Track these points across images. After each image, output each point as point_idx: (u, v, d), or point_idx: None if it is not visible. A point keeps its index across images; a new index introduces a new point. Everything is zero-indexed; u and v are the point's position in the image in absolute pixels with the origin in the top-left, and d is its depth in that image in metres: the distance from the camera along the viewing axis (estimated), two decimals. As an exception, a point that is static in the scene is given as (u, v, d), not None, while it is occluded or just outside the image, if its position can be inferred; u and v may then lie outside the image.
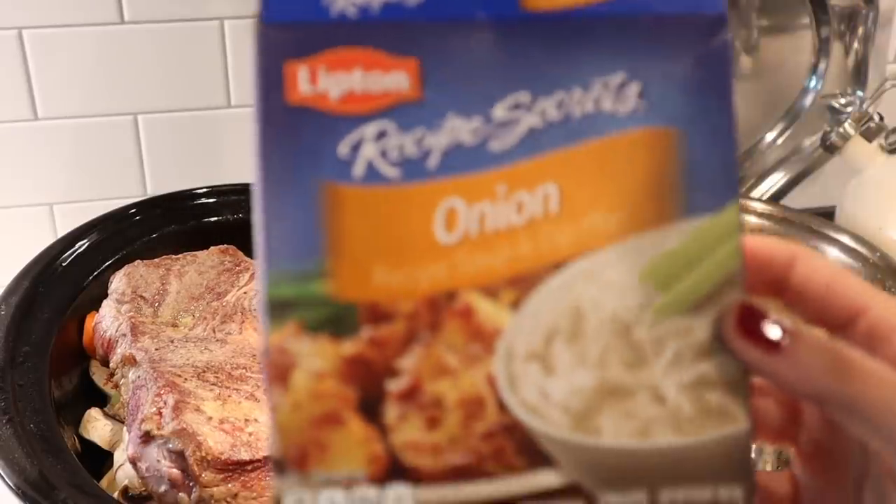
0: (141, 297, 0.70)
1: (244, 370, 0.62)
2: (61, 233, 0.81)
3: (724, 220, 0.28)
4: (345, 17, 0.26)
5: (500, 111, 0.27)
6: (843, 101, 0.96)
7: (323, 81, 0.26)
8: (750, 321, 0.27)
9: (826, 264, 0.29)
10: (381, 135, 0.27)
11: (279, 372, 0.26)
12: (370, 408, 0.27)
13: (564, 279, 0.27)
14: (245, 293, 0.71)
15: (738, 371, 0.27)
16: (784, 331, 0.27)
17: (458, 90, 0.27)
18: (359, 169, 0.26)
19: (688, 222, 0.28)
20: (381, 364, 0.27)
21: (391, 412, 0.27)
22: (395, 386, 0.27)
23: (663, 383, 0.27)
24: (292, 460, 0.27)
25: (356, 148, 0.26)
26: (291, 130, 0.26)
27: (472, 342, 0.27)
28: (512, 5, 0.27)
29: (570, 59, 0.27)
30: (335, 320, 0.27)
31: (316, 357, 0.27)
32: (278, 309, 0.26)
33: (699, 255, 0.28)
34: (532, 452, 0.27)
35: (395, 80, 0.26)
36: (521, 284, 0.27)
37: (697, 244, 0.28)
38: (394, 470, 0.27)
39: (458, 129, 0.27)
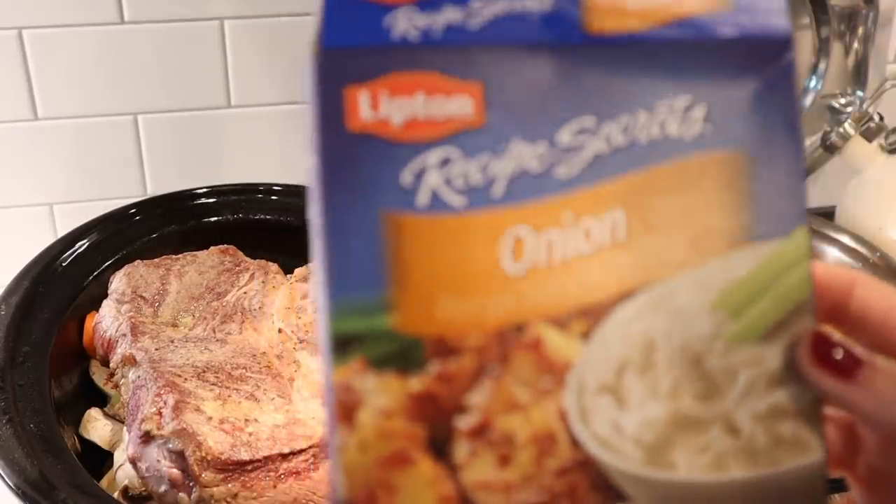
0: (141, 297, 0.70)
1: (244, 370, 0.62)
2: (61, 233, 0.81)
3: (792, 246, 0.27)
4: (406, 41, 0.25)
5: (565, 136, 0.26)
6: (843, 101, 0.96)
7: (385, 107, 0.25)
8: (824, 349, 0.26)
9: (887, 291, 0.29)
10: (445, 162, 0.26)
11: (345, 410, 0.26)
12: (439, 446, 0.26)
13: (634, 308, 0.27)
14: (245, 293, 0.71)
15: (812, 400, 0.27)
16: (858, 359, 0.26)
17: (522, 115, 0.26)
18: (423, 197, 0.26)
19: (756, 248, 0.27)
20: (449, 400, 0.26)
21: (461, 450, 0.26)
22: (464, 423, 0.26)
23: (736, 414, 0.27)
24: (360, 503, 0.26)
25: (419, 176, 0.26)
26: (353, 159, 0.25)
27: (543, 375, 0.26)
28: (576, 28, 0.26)
29: (634, 82, 0.26)
30: (401, 355, 0.26)
31: (382, 394, 0.26)
32: (342, 344, 0.26)
33: (769, 282, 0.27)
34: (606, 489, 0.26)
35: (459, 105, 0.26)
36: (590, 315, 0.26)
37: (767, 271, 0.27)
38: None
39: (523, 155, 0.26)
